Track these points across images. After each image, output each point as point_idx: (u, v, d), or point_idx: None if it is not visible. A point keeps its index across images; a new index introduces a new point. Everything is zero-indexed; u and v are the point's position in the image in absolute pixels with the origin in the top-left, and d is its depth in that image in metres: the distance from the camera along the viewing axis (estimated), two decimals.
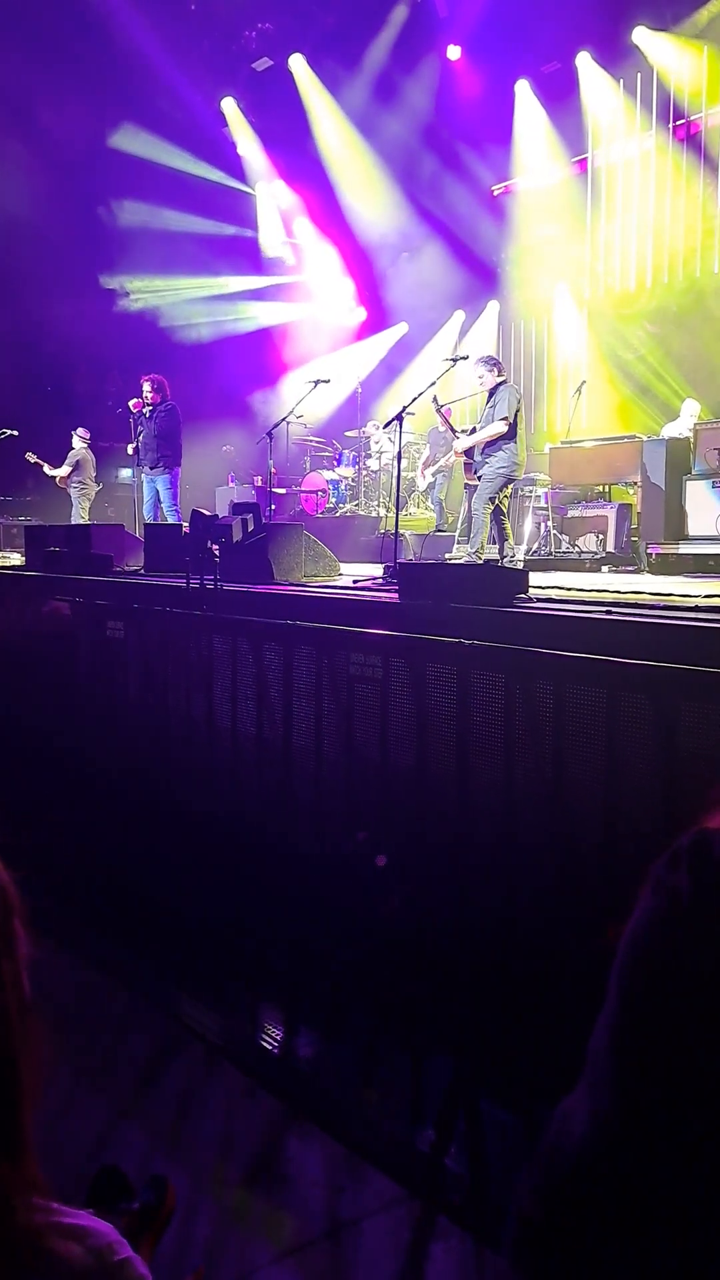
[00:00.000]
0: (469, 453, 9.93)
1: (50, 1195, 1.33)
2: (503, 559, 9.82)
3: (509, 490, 9.99)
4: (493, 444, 9.66)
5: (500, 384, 9.77)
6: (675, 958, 1.07)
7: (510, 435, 9.61)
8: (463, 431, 10.33)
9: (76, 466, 14.67)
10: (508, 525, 10.11)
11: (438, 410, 10.53)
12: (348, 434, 16.25)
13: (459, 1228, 3.55)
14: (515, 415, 9.62)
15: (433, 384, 9.39)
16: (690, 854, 1.10)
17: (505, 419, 9.52)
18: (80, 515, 14.73)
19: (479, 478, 9.75)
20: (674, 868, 1.10)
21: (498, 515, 9.87)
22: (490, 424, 9.60)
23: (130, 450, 12.63)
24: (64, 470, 14.69)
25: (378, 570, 8.79)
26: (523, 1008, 4.51)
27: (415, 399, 9.18)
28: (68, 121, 17.60)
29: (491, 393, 9.75)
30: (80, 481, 14.75)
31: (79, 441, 14.81)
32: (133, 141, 17.91)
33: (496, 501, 9.72)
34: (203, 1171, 3.82)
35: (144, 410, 12.33)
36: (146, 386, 12.40)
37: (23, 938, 1.36)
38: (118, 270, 19.24)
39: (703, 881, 1.07)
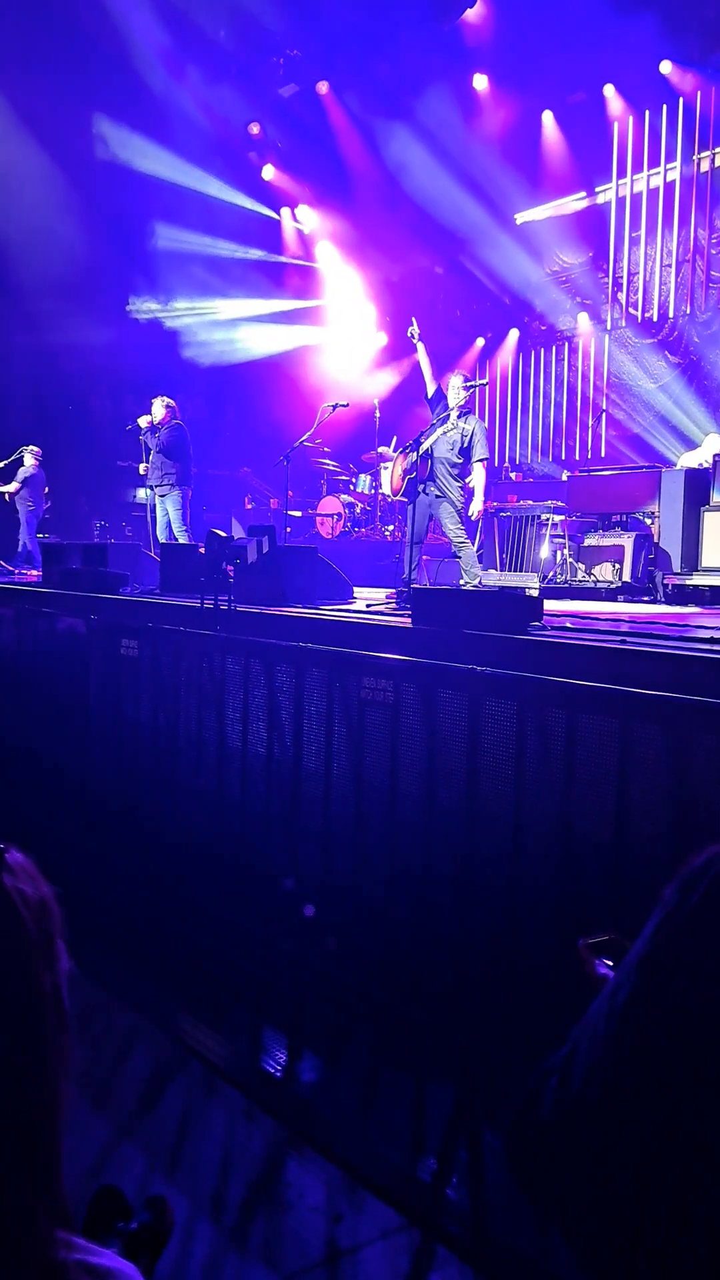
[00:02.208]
0: (433, 470, 9.53)
1: (76, 1229, 1.32)
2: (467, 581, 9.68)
3: None
4: (465, 471, 9.53)
5: (472, 415, 9.67)
6: (687, 964, 1.15)
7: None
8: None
9: (25, 483, 14.82)
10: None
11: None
12: (365, 457, 16.31)
13: (457, 1259, 3.52)
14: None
15: (449, 409, 9.39)
16: (706, 869, 1.17)
17: (484, 459, 9.50)
18: (28, 533, 14.87)
19: (425, 490, 9.49)
20: (692, 881, 1.18)
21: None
22: (471, 453, 9.40)
23: (141, 470, 12.71)
24: (11, 486, 14.85)
25: (392, 594, 8.80)
26: (527, 1037, 4.48)
27: (433, 424, 9.19)
28: (94, 144, 17.80)
29: (464, 416, 9.50)
30: (32, 499, 14.92)
31: (30, 459, 14.96)
32: (158, 164, 18.05)
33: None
34: (202, 1194, 3.80)
35: (154, 429, 12.39)
36: (156, 405, 12.47)
37: (64, 953, 1.35)
38: (140, 292, 19.38)
39: (717, 894, 1.15)
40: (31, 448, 15.07)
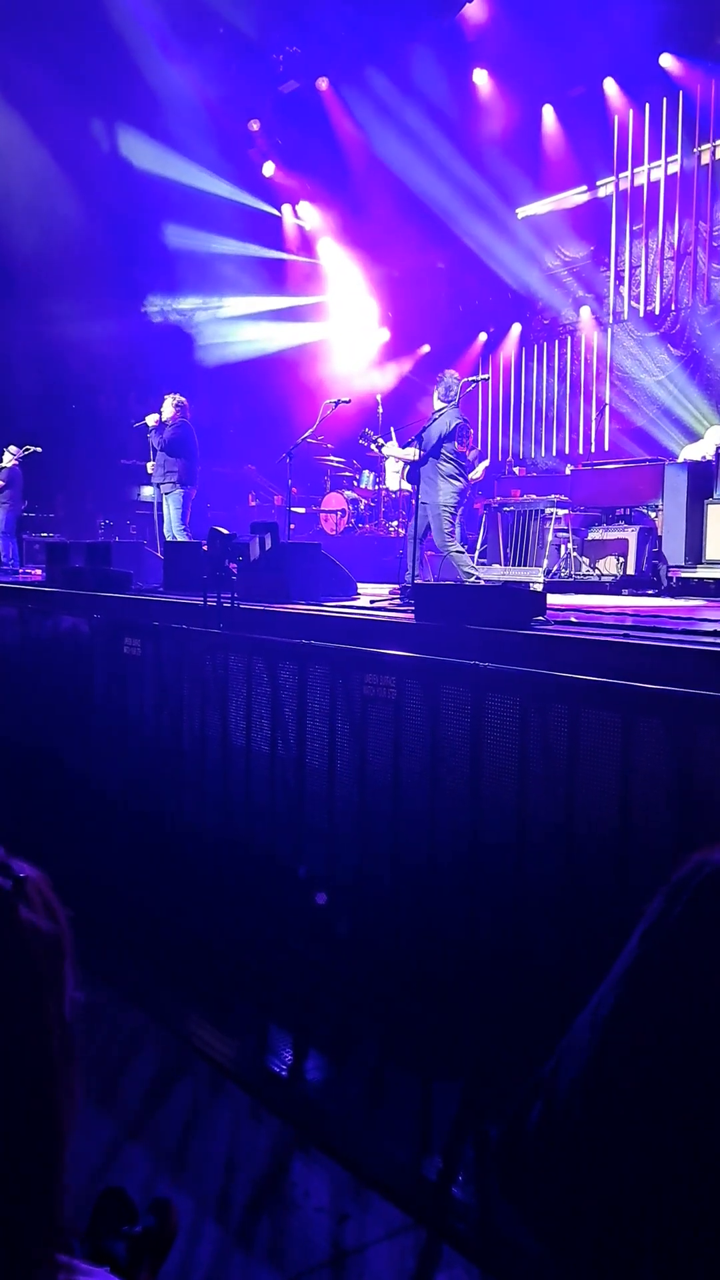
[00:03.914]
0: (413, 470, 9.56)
1: (71, 1250, 1.31)
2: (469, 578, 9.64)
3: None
4: (456, 465, 9.45)
5: (453, 409, 9.53)
6: (669, 975, 1.13)
7: (460, 461, 9.46)
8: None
9: (8, 482, 14.85)
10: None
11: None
12: (369, 453, 16.28)
13: (464, 1258, 3.50)
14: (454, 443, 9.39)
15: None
16: (689, 879, 1.14)
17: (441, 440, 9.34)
18: (3, 530, 14.91)
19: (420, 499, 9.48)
20: (676, 891, 1.15)
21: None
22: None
23: (148, 468, 12.70)
24: None
25: (395, 590, 8.79)
26: (532, 1035, 4.47)
27: (433, 420, 9.17)
28: (97, 143, 17.79)
29: (441, 413, 9.42)
30: (10, 498, 14.95)
31: (9, 458, 14.97)
32: (159, 162, 18.03)
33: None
34: (207, 1194, 3.79)
35: (160, 427, 12.37)
36: (166, 402, 12.46)
37: (71, 982, 1.35)
38: (145, 290, 19.36)
39: (702, 905, 1.12)
40: (11, 447, 15.10)
